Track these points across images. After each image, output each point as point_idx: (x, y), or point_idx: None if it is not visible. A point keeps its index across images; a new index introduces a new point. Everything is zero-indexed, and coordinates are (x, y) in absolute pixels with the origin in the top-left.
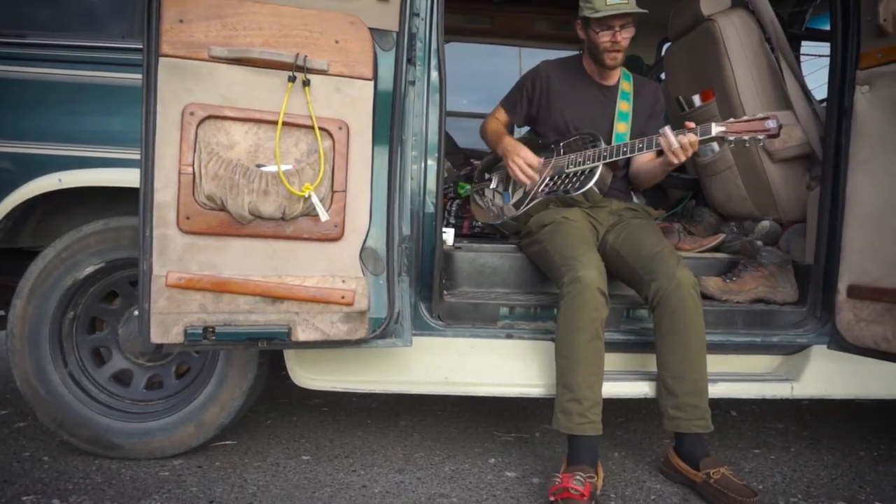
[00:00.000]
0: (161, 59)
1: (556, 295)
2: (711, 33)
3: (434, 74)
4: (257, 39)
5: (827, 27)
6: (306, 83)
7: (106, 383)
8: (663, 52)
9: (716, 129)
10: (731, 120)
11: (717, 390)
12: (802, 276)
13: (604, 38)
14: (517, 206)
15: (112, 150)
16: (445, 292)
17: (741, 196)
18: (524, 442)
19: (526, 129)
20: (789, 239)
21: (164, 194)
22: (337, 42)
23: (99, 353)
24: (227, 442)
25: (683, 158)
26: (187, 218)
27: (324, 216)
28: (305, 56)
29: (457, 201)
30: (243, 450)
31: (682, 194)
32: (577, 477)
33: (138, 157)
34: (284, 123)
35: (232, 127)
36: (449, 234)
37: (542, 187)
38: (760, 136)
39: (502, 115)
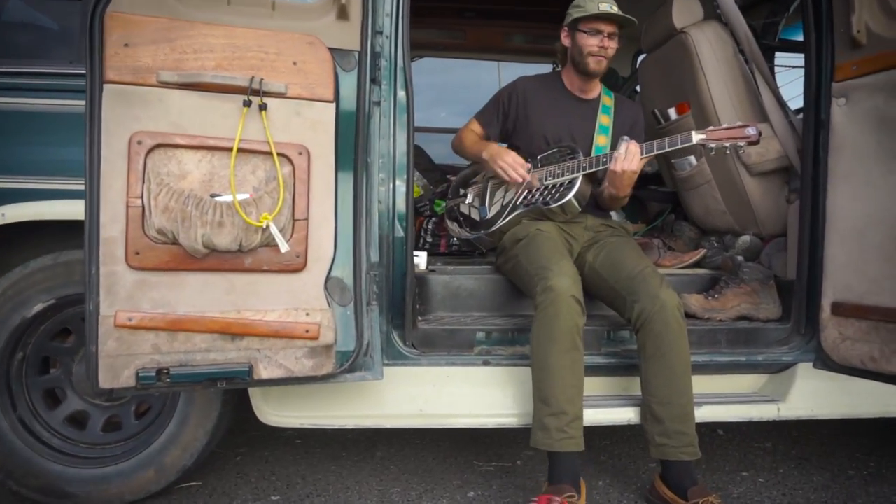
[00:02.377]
0: (105, 86)
1: (533, 299)
2: (685, 46)
3: (401, 93)
4: (209, 63)
5: (800, 38)
6: (263, 107)
7: (59, 427)
8: (638, 64)
9: (696, 136)
10: (711, 128)
11: (701, 413)
12: (785, 291)
13: (592, 41)
14: (494, 220)
15: (60, 180)
16: (420, 318)
17: (720, 210)
18: (505, 472)
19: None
20: (770, 254)
21: (112, 229)
22: (295, 63)
23: (52, 393)
24: (192, 483)
25: (621, 167)
26: (137, 253)
27: (283, 247)
28: (261, 79)
29: (433, 219)
30: (208, 491)
31: (660, 208)
32: (555, 500)
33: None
34: (241, 150)
35: (184, 155)
36: (421, 258)
37: (520, 199)
38: (741, 143)
39: (477, 128)
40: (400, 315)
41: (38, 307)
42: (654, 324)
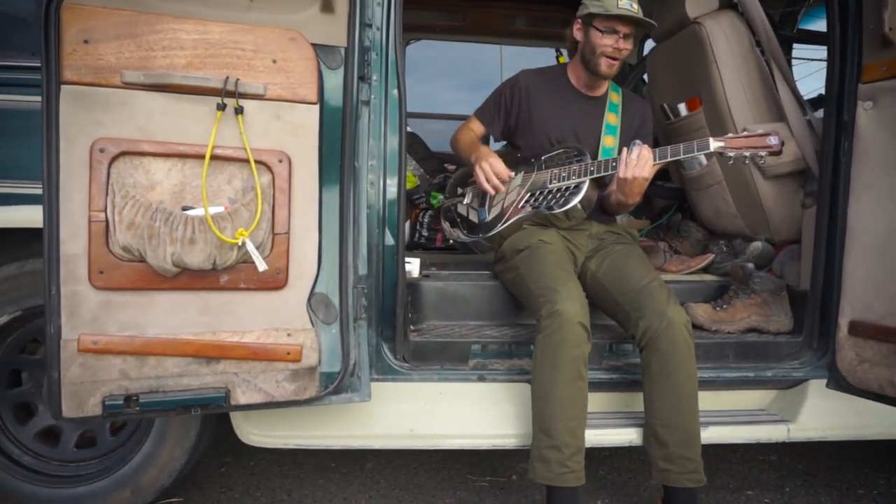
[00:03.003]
0: (63, 87)
1: (533, 327)
2: (698, 37)
3: (393, 90)
4: (180, 61)
5: (822, 27)
6: (239, 110)
7: (30, 443)
8: (646, 53)
9: (714, 144)
10: (731, 135)
11: (707, 435)
12: (798, 303)
13: (607, 41)
14: (493, 224)
15: (21, 184)
16: (412, 327)
17: (731, 213)
18: (499, 488)
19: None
20: (783, 262)
21: (73, 245)
22: (275, 62)
23: (24, 407)
24: (172, 500)
25: (630, 174)
26: (101, 272)
27: (261, 266)
28: (237, 80)
29: (429, 212)
30: None
31: (666, 204)
32: None
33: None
34: (215, 157)
35: (152, 164)
36: (414, 265)
37: (521, 203)
38: (762, 153)
39: (477, 127)
40: (391, 327)
41: (4, 318)
42: (660, 342)
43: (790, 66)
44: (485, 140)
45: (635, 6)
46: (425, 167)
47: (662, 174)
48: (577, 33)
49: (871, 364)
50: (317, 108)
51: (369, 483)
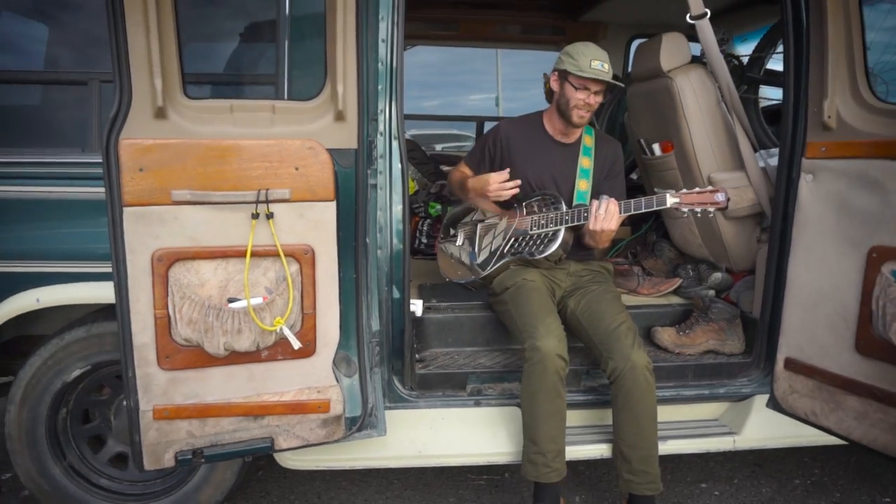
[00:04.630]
0: (125, 209)
1: (521, 350)
2: (670, 91)
3: (396, 165)
4: (218, 178)
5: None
6: (270, 216)
7: (104, 468)
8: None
9: (670, 200)
10: (685, 191)
11: (666, 447)
12: (750, 328)
13: (579, 95)
14: (483, 266)
15: (85, 265)
16: (417, 356)
17: (697, 243)
18: (495, 486)
19: None
20: (739, 291)
21: (143, 337)
22: (297, 168)
23: (97, 438)
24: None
25: (598, 227)
26: (167, 357)
27: (296, 344)
28: (266, 191)
29: (428, 220)
30: None
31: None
32: None
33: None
34: (252, 255)
35: (201, 266)
36: (418, 306)
37: (506, 248)
38: (711, 209)
39: (466, 171)
40: (400, 360)
41: (76, 372)
42: (625, 381)
43: (757, 105)
44: None
45: (606, 66)
46: (423, 171)
47: (643, 189)
48: (554, 84)
49: (799, 395)
50: (333, 203)
51: (385, 484)
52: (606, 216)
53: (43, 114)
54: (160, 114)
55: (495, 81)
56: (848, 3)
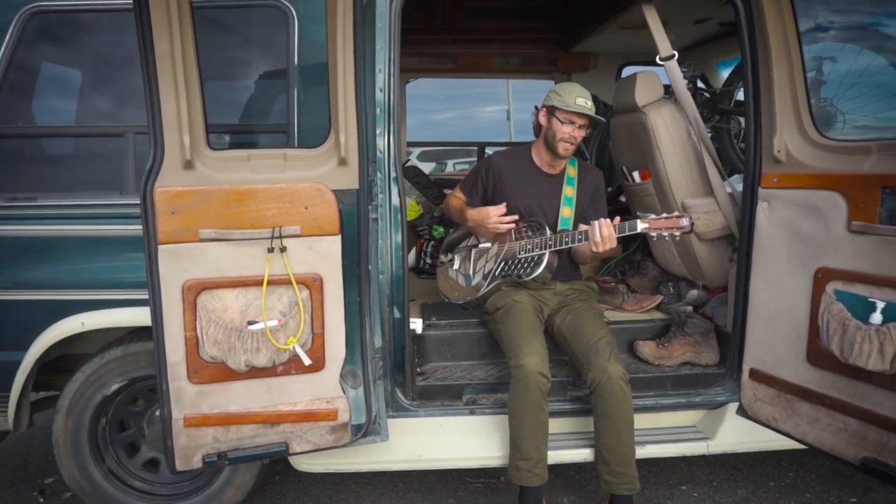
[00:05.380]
0: (160, 247)
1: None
2: (644, 125)
3: (395, 199)
4: (238, 218)
5: None
6: (283, 249)
7: (138, 471)
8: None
9: (641, 225)
10: (652, 217)
11: (644, 452)
12: (723, 341)
13: (565, 129)
14: (478, 287)
15: (125, 292)
16: (418, 370)
17: (676, 262)
18: (491, 489)
19: None
20: (714, 307)
21: (175, 355)
22: (306, 208)
23: (132, 445)
24: None
25: (603, 249)
26: (196, 372)
27: (307, 361)
28: (280, 228)
29: (432, 242)
30: None
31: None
32: None
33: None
34: (269, 283)
35: (224, 293)
36: (418, 324)
37: (498, 271)
38: (677, 233)
39: (462, 196)
40: (401, 373)
41: (115, 386)
42: (603, 391)
43: (729, 133)
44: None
45: (589, 104)
46: (427, 195)
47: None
48: (542, 119)
49: (762, 402)
50: (338, 237)
51: (390, 487)
52: (609, 240)
53: (84, 161)
54: (188, 165)
55: (506, 93)
56: (790, 49)
